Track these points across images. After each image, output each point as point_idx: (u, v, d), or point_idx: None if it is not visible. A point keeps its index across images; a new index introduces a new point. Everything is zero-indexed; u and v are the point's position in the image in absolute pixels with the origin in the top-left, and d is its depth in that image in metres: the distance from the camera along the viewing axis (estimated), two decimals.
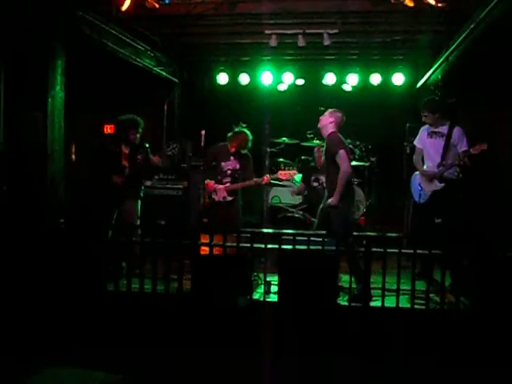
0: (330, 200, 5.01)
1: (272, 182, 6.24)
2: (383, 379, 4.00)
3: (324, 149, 5.33)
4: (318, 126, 5.33)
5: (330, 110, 5.35)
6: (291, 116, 8.23)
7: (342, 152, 5.03)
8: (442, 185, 5.41)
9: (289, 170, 5.94)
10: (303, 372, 4.06)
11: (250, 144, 5.90)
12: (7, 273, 4.72)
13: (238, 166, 5.87)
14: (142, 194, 5.79)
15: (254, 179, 5.79)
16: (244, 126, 5.98)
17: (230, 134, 5.94)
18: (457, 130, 5.42)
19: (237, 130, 5.94)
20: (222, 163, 5.87)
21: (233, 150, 5.85)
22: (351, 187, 5.37)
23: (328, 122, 5.25)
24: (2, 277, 4.71)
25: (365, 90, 8.26)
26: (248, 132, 5.92)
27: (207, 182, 5.83)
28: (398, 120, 7.67)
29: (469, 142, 5.36)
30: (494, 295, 4.32)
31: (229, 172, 5.85)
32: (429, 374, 4.02)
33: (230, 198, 5.78)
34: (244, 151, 5.93)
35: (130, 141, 5.63)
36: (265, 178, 5.74)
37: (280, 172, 5.91)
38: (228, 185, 5.79)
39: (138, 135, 5.65)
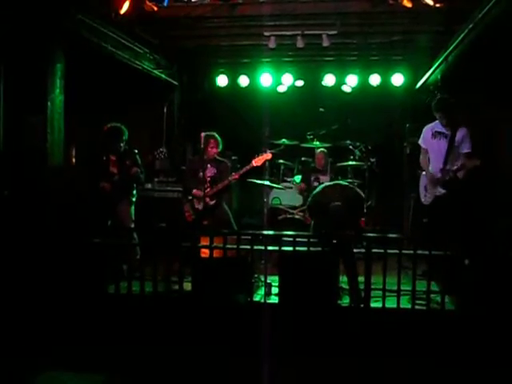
0: None
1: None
2: (384, 380, 4.00)
3: None
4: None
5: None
6: (291, 117, 8.23)
7: None
8: (444, 192, 5.35)
9: (261, 155, 5.86)
10: (304, 373, 4.06)
11: (220, 146, 5.98)
12: (9, 276, 4.73)
13: (215, 171, 6.01)
14: (133, 199, 5.85)
15: (229, 178, 5.88)
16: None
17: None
18: (460, 131, 5.34)
19: (205, 135, 5.97)
20: (201, 173, 5.97)
21: (207, 157, 5.94)
22: None
23: None
24: (4, 280, 4.72)
25: (364, 91, 8.25)
26: (215, 134, 5.97)
27: (194, 191, 5.93)
28: (398, 120, 7.68)
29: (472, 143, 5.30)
30: (494, 295, 4.31)
31: (208, 179, 5.98)
32: (429, 375, 4.02)
33: (212, 202, 5.88)
34: (220, 158, 6.07)
35: (114, 150, 5.72)
36: (234, 174, 5.86)
37: (253, 160, 5.88)
38: (208, 190, 5.89)
39: (122, 144, 5.75)
